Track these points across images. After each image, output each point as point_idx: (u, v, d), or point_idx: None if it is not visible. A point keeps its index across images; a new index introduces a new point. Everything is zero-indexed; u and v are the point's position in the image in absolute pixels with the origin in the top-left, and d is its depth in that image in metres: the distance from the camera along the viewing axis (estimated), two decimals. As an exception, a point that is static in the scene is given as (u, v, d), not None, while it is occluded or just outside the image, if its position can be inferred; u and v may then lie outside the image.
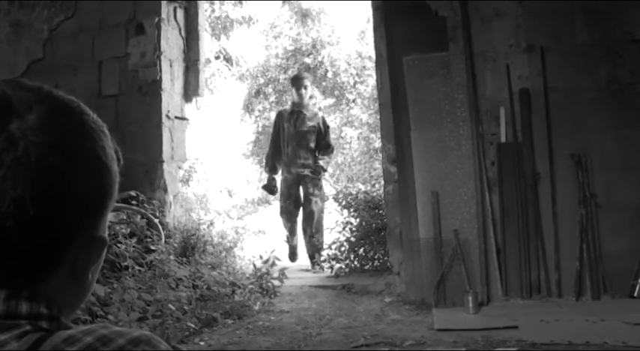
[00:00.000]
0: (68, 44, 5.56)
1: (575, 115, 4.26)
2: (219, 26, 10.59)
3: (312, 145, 6.00)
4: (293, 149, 5.95)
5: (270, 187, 6.28)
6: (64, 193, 0.55)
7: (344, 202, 6.22)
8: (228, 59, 10.91)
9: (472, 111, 4.36)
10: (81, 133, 0.58)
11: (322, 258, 5.93)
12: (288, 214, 6.15)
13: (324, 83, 17.05)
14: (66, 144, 0.55)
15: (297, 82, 6.13)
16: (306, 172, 5.94)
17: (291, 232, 6.30)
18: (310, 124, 5.98)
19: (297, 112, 6.05)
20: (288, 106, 6.37)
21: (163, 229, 4.83)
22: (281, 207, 6.20)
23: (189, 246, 4.99)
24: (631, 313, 3.57)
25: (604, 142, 4.19)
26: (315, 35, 17.02)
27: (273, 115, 18.86)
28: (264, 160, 6.31)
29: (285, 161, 6.03)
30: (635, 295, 3.87)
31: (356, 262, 5.81)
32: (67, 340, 0.51)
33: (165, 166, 5.20)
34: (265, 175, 6.38)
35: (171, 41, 5.42)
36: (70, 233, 0.57)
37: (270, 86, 17.74)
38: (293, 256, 6.40)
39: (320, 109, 6.63)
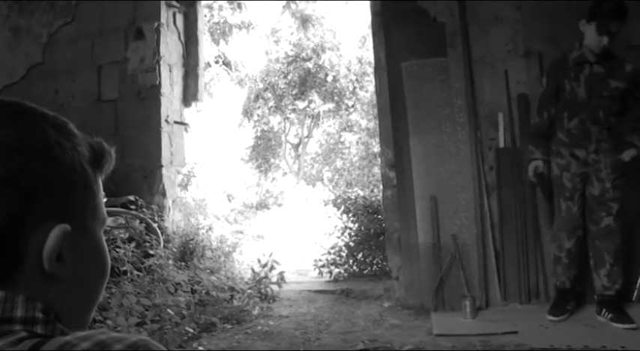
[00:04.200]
0: (67, 49, 5.58)
1: (573, 121, 4.26)
2: (219, 31, 10.61)
3: (613, 118, 3.66)
4: (581, 123, 3.67)
5: (544, 182, 3.92)
6: None
7: (343, 207, 6.23)
8: (227, 64, 10.94)
9: (471, 116, 4.37)
10: (8, 124, 0.57)
11: (321, 263, 5.92)
12: (571, 226, 3.72)
13: (323, 88, 17.10)
14: None
15: (609, 15, 3.55)
16: (601, 160, 3.64)
17: (571, 262, 3.76)
18: (615, 84, 3.60)
19: (591, 64, 3.66)
20: (573, 51, 3.72)
21: (162, 234, 4.83)
22: (557, 214, 3.83)
23: (188, 251, 4.99)
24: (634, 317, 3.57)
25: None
26: (316, 40, 17.07)
27: (272, 120, 19.03)
28: (534, 135, 3.84)
29: (562, 141, 3.74)
30: (634, 299, 3.87)
31: (355, 267, 5.82)
32: (63, 346, 0.50)
33: (164, 170, 5.21)
34: (535, 160, 3.83)
35: (170, 46, 5.44)
36: (16, 222, 0.55)
37: (269, 91, 17.79)
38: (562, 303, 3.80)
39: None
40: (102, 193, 0.66)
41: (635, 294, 3.87)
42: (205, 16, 6.84)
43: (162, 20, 5.34)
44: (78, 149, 0.62)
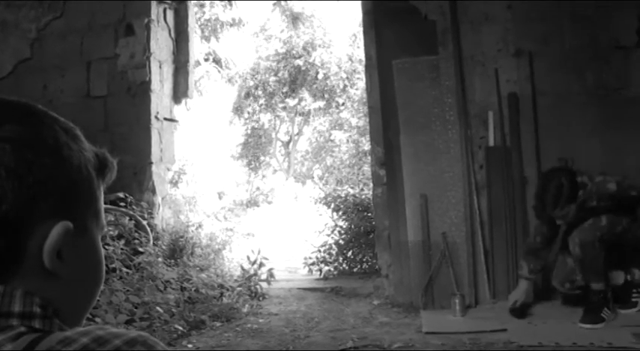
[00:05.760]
0: (56, 44, 5.53)
1: (562, 120, 4.30)
2: (209, 28, 10.57)
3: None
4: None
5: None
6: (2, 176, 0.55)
7: (333, 205, 6.23)
8: (217, 61, 10.91)
9: (461, 115, 4.39)
10: (21, 121, 0.58)
11: (311, 261, 5.92)
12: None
13: (314, 86, 17.09)
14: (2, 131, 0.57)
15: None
16: None
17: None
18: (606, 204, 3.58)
19: None
20: None
21: (152, 231, 4.81)
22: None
23: (178, 248, 4.97)
24: (618, 316, 3.60)
25: (590, 146, 4.22)
26: (307, 38, 17.05)
27: (262, 118, 18.98)
28: (527, 251, 3.90)
29: None
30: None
31: (345, 265, 5.82)
32: (62, 341, 0.51)
33: (153, 167, 5.19)
34: (522, 279, 3.89)
35: (160, 42, 5.41)
36: (21, 215, 0.56)
37: (259, 89, 17.75)
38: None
39: None
40: (102, 201, 0.66)
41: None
42: (196, 13, 6.81)
43: (153, 16, 5.31)
44: (84, 153, 0.62)
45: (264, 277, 5.08)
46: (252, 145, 18.96)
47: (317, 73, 16.97)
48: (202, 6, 10.17)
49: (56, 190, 0.58)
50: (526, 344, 3.24)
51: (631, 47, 4.25)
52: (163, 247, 4.83)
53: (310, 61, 17.00)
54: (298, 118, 19.27)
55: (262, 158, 19.39)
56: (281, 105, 18.21)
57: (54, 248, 0.57)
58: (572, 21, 4.33)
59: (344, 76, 16.77)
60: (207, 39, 10.87)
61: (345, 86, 16.80)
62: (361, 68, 13.03)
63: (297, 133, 19.84)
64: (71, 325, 0.58)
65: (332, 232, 6.08)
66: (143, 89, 5.22)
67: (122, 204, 4.78)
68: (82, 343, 0.51)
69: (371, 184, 5.13)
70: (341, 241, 5.92)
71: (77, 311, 0.64)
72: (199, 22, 10.14)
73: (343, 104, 17.11)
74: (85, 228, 0.62)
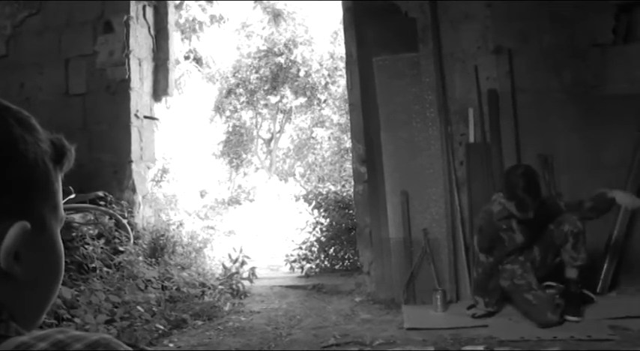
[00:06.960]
0: (33, 41, 5.45)
1: (541, 116, 4.34)
2: (189, 28, 10.49)
3: None
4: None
5: None
6: None
7: (314, 202, 6.24)
8: (198, 60, 10.83)
9: (441, 111, 4.41)
10: None
11: (293, 259, 5.92)
12: None
13: (295, 83, 17.06)
14: None
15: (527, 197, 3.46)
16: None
17: None
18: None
19: None
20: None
21: (132, 230, 4.77)
22: None
23: (159, 247, 4.94)
24: (595, 309, 3.65)
25: (569, 142, 4.27)
26: (288, 35, 17.01)
27: (243, 115, 18.93)
28: (478, 286, 3.87)
29: None
30: (598, 290, 3.95)
31: (326, 262, 5.83)
32: (19, 347, 0.48)
33: (133, 166, 5.14)
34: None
35: (140, 40, 5.36)
36: None
37: (240, 86, 17.67)
38: None
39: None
40: (61, 191, 0.64)
41: (600, 285, 3.94)
42: (176, 8, 6.74)
43: (132, 13, 5.26)
44: (40, 145, 0.59)
45: (245, 275, 5.08)
46: (234, 143, 18.87)
47: (298, 70, 16.94)
48: (178, 6, 10.10)
49: (12, 189, 0.56)
50: (507, 339, 3.27)
51: (608, 45, 4.31)
52: (144, 245, 4.79)
53: (292, 58, 16.95)
54: (280, 116, 19.23)
55: (244, 156, 19.31)
56: (262, 102, 18.15)
57: (11, 250, 0.55)
58: (550, 19, 4.38)
59: (325, 73, 16.76)
60: (189, 38, 10.79)
61: (327, 83, 16.79)
62: (342, 65, 13.04)
63: (279, 131, 19.80)
64: (28, 327, 0.56)
65: (313, 229, 6.08)
66: (122, 87, 5.17)
67: (102, 203, 4.74)
68: (41, 349, 0.48)
69: (352, 182, 5.14)
70: (322, 239, 5.93)
71: (35, 311, 0.61)
72: (179, 21, 10.07)
73: (325, 101, 17.10)
74: (43, 224, 0.60)
